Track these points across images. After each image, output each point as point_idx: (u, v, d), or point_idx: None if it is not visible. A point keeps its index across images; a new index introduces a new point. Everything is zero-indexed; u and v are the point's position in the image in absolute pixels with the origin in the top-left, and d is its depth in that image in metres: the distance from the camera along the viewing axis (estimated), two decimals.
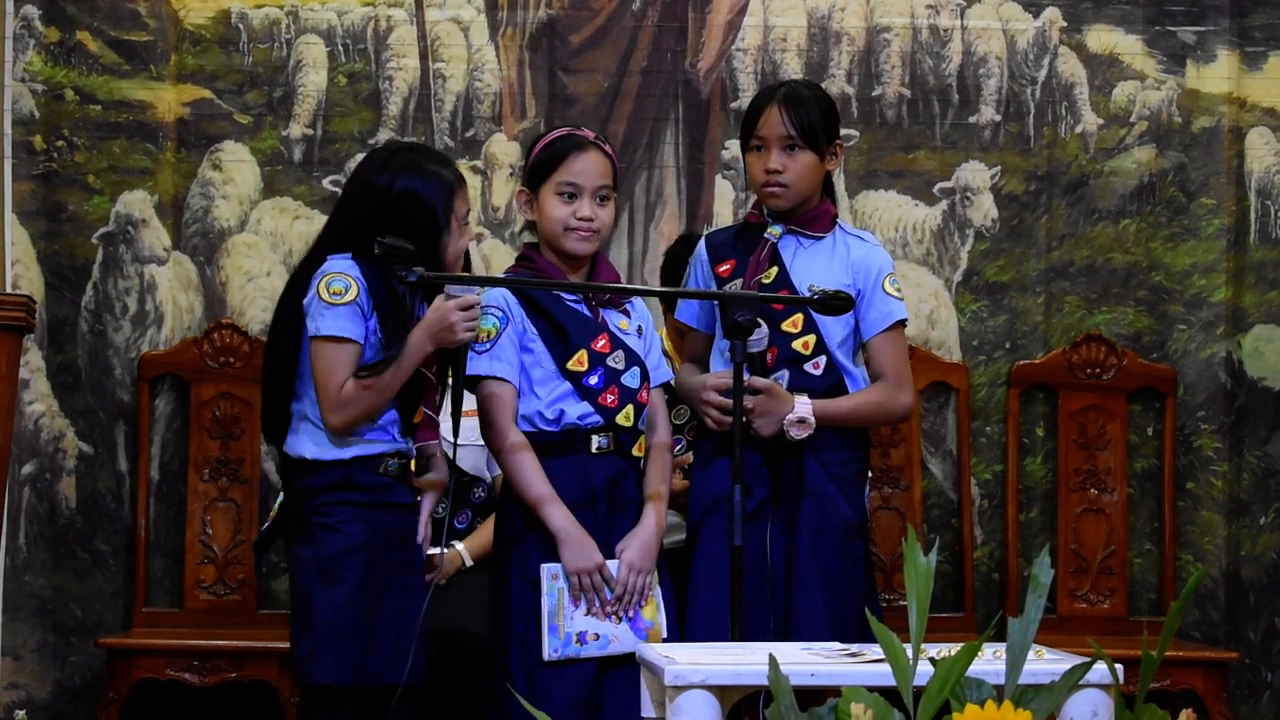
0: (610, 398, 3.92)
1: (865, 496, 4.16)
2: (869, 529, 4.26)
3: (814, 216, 4.14)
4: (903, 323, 4.15)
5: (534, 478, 3.88)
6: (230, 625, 5.02)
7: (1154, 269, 5.31)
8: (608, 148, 4.05)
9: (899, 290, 4.15)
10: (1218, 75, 5.32)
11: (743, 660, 2.98)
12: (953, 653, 2.33)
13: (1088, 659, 2.54)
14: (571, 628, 3.86)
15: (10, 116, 5.11)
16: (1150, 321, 5.31)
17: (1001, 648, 2.48)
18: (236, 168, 5.21)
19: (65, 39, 5.15)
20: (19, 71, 5.12)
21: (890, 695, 2.37)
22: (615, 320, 4.01)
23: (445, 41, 5.25)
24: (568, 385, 3.93)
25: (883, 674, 2.45)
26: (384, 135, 5.15)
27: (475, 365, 3.87)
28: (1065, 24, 5.32)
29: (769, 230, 4.12)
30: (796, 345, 4.06)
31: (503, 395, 3.90)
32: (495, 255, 5.20)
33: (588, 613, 3.88)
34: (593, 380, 3.92)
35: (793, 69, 5.23)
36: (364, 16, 5.24)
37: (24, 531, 5.09)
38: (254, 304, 5.18)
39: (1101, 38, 5.33)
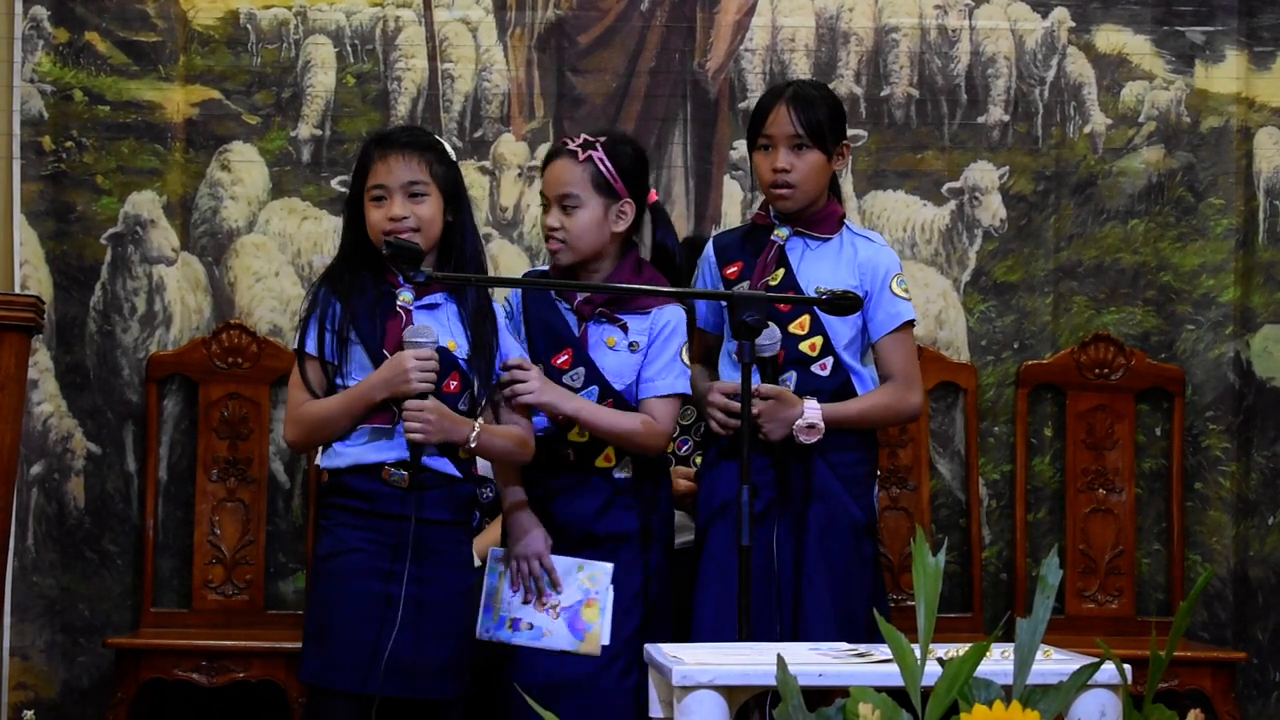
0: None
1: (874, 497, 4.16)
2: (877, 529, 4.26)
3: (821, 217, 4.14)
4: (911, 323, 4.15)
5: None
6: (238, 625, 5.02)
7: (1162, 269, 5.30)
8: (586, 153, 4.02)
9: (907, 291, 4.15)
10: (1226, 75, 5.31)
11: (750, 660, 2.98)
12: (961, 653, 2.33)
13: (1096, 659, 2.55)
14: (507, 612, 3.90)
15: (19, 117, 5.11)
16: (1158, 321, 5.30)
17: (1009, 648, 2.48)
18: (245, 168, 5.21)
19: (74, 40, 5.15)
20: (28, 72, 5.13)
21: (898, 695, 2.37)
22: (602, 334, 4.03)
23: (454, 42, 5.25)
24: None
25: (891, 674, 2.46)
26: None
27: None
28: (1074, 24, 5.31)
29: (776, 232, 4.12)
30: (804, 347, 4.06)
31: None
32: (503, 255, 5.20)
33: (524, 601, 3.91)
34: None
35: (801, 69, 5.23)
36: (372, 17, 5.24)
37: (32, 532, 5.10)
38: (262, 304, 5.19)
39: (1110, 38, 5.33)
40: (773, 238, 4.12)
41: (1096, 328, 5.27)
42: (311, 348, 3.82)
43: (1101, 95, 5.31)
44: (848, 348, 4.09)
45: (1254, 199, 5.31)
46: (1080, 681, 2.48)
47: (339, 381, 3.82)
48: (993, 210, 5.27)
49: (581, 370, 4.00)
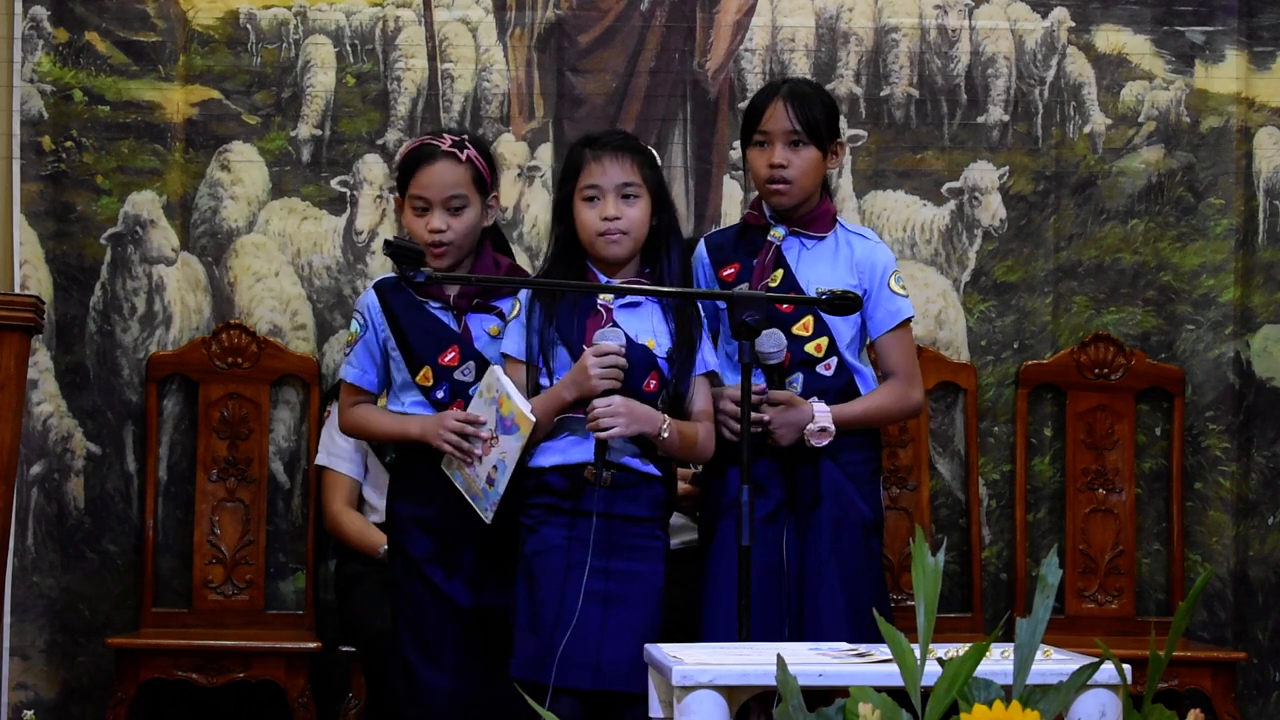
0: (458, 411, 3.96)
1: (880, 495, 4.18)
2: (883, 527, 4.27)
3: (815, 216, 4.15)
4: (910, 320, 4.15)
5: (380, 417, 4.02)
6: (238, 625, 5.02)
7: (1162, 269, 5.30)
8: (465, 152, 4.04)
9: (904, 287, 4.16)
10: (1226, 75, 5.31)
11: (750, 660, 2.98)
12: (961, 653, 2.33)
13: (1095, 659, 2.55)
14: (481, 483, 3.88)
15: (19, 117, 5.11)
16: (1158, 321, 5.30)
17: (1009, 648, 2.48)
18: (245, 168, 5.21)
19: (74, 40, 5.15)
20: (28, 72, 5.13)
21: (898, 695, 2.37)
22: (484, 325, 4.04)
23: (453, 42, 5.25)
24: (420, 395, 4.01)
25: (890, 674, 2.46)
26: (392, 136, 5.15)
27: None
28: (1073, 24, 5.31)
29: (772, 233, 4.12)
30: (809, 348, 4.07)
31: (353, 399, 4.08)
32: None
33: (471, 462, 3.89)
34: (439, 394, 3.99)
35: (801, 69, 5.23)
36: (372, 17, 5.24)
37: (32, 532, 5.10)
38: (262, 304, 5.19)
39: (1110, 38, 5.33)
40: (769, 238, 4.12)
41: (1096, 328, 5.27)
42: (517, 351, 3.92)
43: (1101, 95, 5.31)
44: (849, 347, 4.09)
45: (1254, 199, 5.30)
46: (1080, 681, 2.48)
47: (543, 382, 3.90)
48: (992, 210, 5.27)
49: (471, 364, 4.00)
